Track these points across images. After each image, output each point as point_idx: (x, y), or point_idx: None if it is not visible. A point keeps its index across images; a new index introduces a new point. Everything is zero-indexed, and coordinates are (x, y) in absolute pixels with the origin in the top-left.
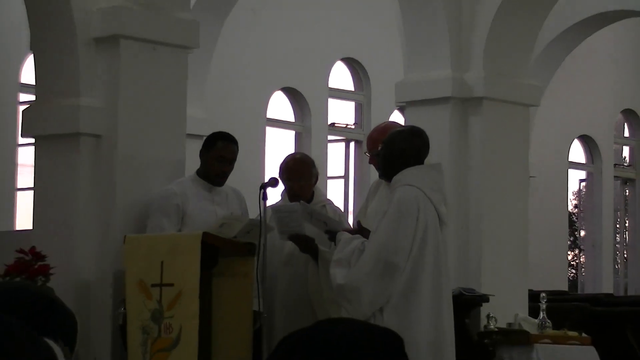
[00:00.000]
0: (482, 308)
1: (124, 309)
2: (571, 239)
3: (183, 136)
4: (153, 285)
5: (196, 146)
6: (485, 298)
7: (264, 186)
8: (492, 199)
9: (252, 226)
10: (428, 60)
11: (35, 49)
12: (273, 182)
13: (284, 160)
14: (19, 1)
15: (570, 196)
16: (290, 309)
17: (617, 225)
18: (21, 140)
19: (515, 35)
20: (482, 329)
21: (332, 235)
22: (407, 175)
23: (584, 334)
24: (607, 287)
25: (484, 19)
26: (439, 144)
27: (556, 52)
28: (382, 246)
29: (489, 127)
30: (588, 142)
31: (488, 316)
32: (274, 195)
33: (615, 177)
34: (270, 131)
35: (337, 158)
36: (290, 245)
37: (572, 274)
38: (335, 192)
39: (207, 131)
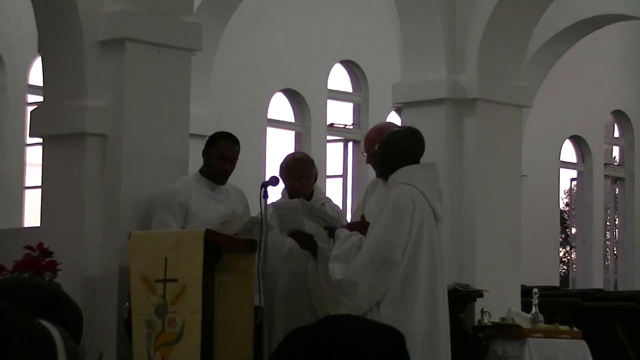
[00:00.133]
0: (476, 303)
1: (129, 303)
2: (563, 236)
3: (186, 136)
4: (157, 281)
5: (199, 145)
6: (479, 293)
7: (264, 184)
8: (486, 197)
9: (253, 224)
10: (424, 63)
11: (43, 51)
12: (274, 181)
13: (284, 160)
14: (27, 5)
15: (562, 194)
16: (290, 304)
17: (607, 223)
18: (29, 140)
19: (508, 39)
20: (476, 323)
21: (331, 231)
22: (403, 174)
23: (575, 328)
24: (597, 282)
25: (478, 23)
26: (435, 144)
27: (548, 55)
28: (379, 242)
29: (483, 128)
30: (579, 142)
31: (482, 311)
32: (275, 193)
33: (605, 176)
34: (270, 131)
35: (335, 157)
36: (290, 242)
37: (563, 270)
38: (334, 191)
39: (210, 131)
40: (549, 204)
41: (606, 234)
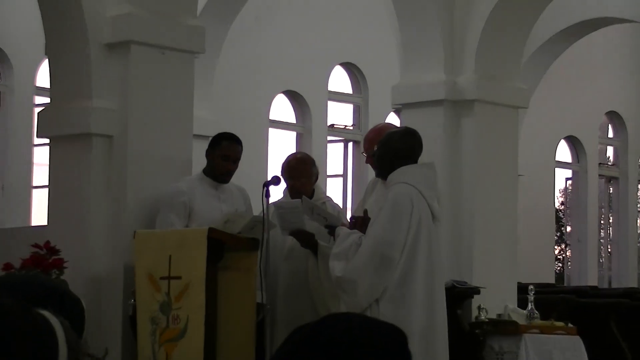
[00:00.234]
0: (473, 300)
1: (134, 300)
2: (558, 235)
3: (190, 136)
4: (162, 278)
5: (202, 146)
6: (476, 290)
7: (266, 184)
8: (483, 196)
9: (255, 222)
10: (423, 65)
11: (50, 54)
12: (275, 180)
13: (285, 160)
14: (34, 8)
15: (557, 194)
16: (291, 302)
17: (602, 222)
18: (37, 140)
19: (505, 42)
20: (473, 319)
21: (331, 229)
22: (402, 174)
23: (570, 325)
24: (592, 280)
25: (475, 26)
26: (433, 144)
27: (544, 57)
28: (378, 240)
29: (480, 128)
30: (574, 143)
31: (479, 307)
32: (277, 192)
33: (599, 175)
34: (272, 132)
35: (336, 158)
36: (291, 241)
37: (559, 268)
38: (335, 190)
39: (213, 132)
40: (544, 203)
41: (600, 232)
